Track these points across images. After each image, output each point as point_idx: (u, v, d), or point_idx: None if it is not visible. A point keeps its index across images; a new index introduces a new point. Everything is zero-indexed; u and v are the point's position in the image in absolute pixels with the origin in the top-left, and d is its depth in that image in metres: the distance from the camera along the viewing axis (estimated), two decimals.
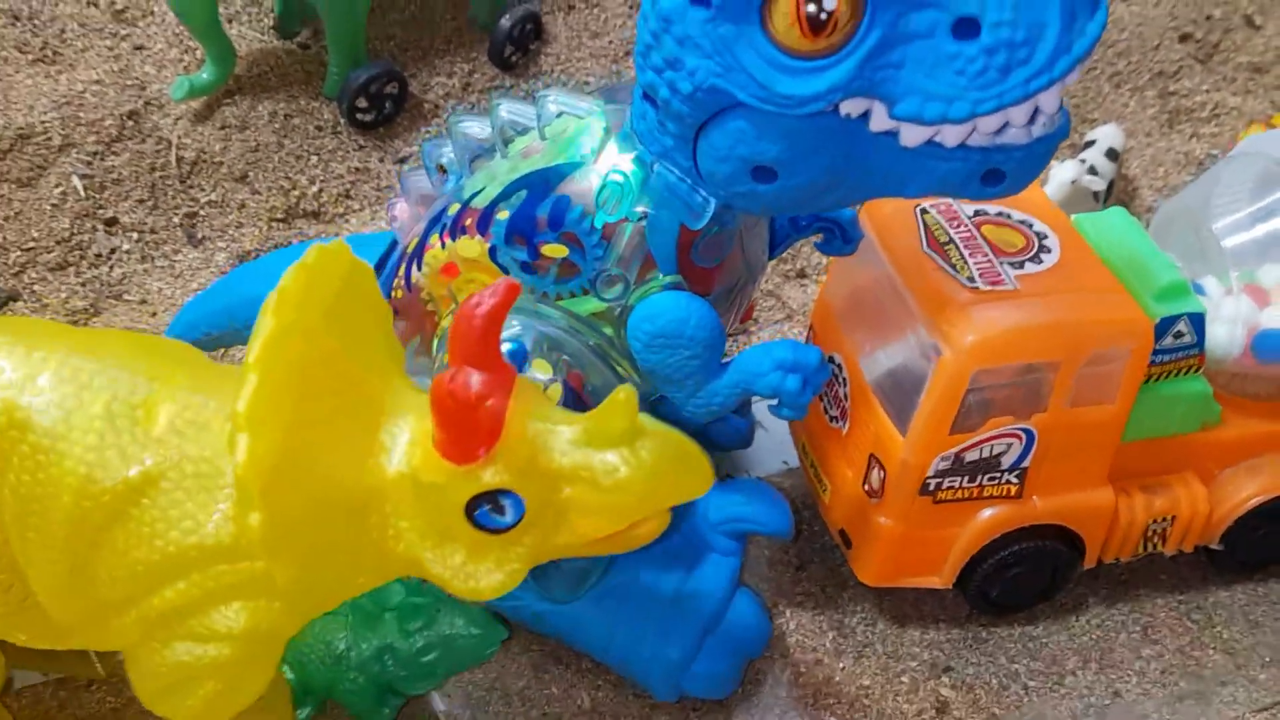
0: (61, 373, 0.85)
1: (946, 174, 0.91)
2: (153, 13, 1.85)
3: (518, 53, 1.91)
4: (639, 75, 0.94)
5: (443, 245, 1.07)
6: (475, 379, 0.77)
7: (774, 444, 1.45)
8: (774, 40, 0.85)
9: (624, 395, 0.81)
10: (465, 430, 0.79)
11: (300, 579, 0.83)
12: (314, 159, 1.76)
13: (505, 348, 1.04)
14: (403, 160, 1.79)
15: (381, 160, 1.78)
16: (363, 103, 1.76)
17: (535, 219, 1.01)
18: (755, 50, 0.85)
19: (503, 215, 1.03)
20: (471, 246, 1.05)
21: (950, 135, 0.88)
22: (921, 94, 0.86)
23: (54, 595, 0.87)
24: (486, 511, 0.82)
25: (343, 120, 1.78)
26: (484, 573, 0.84)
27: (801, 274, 1.70)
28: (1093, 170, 1.73)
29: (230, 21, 1.83)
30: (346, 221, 1.72)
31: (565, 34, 1.97)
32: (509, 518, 0.82)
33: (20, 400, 0.84)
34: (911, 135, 0.89)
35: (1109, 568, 1.33)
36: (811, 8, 0.83)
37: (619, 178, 1.00)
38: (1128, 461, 1.21)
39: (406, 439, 0.83)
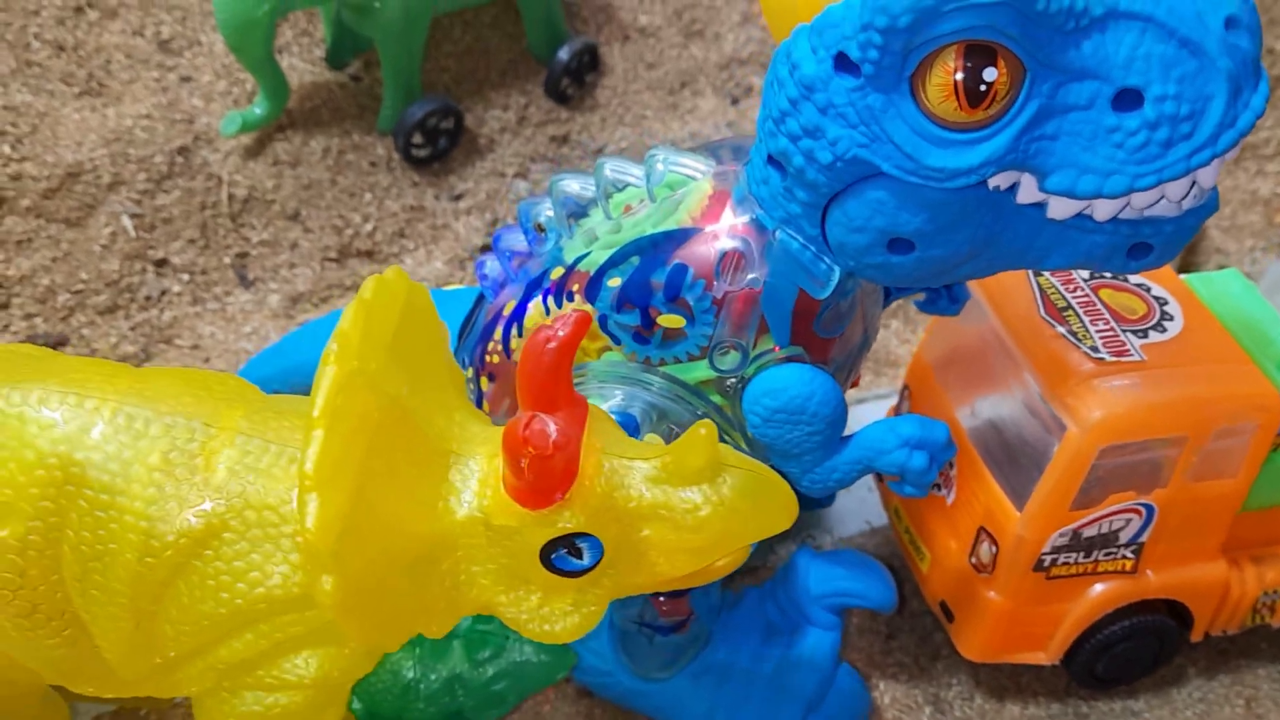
0: (116, 422, 0.82)
1: (1091, 247, 0.87)
2: (199, 42, 1.79)
3: (574, 85, 1.86)
4: (766, 140, 0.89)
5: (546, 311, 1.02)
6: (552, 428, 0.73)
7: (855, 503, 1.40)
8: (926, 111, 0.80)
9: (705, 430, 0.77)
10: (540, 474, 0.75)
11: (369, 637, 0.79)
12: (368, 196, 1.70)
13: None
14: (458, 197, 1.74)
15: (437, 198, 1.73)
16: (418, 138, 1.71)
17: (649, 285, 0.96)
18: (905, 121, 0.80)
19: (614, 283, 0.97)
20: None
21: (1102, 210, 0.84)
22: (1076, 167, 0.81)
23: (119, 651, 0.84)
24: (564, 555, 0.78)
25: (397, 155, 1.73)
26: (560, 615, 0.81)
27: None
28: None
29: (280, 53, 1.78)
30: (401, 261, 1.67)
31: (622, 65, 1.92)
32: (586, 561, 0.78)
33: (75, 455, 0.81)
34: (1061, 208, 0.84)
35: (1209, 639, 1.28)
36: (970, 79, 0.78)
37: (738, 245, 0.95)
38: (1239, 532, 1.16)
39: (476, 480, 0.79)
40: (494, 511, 0.77)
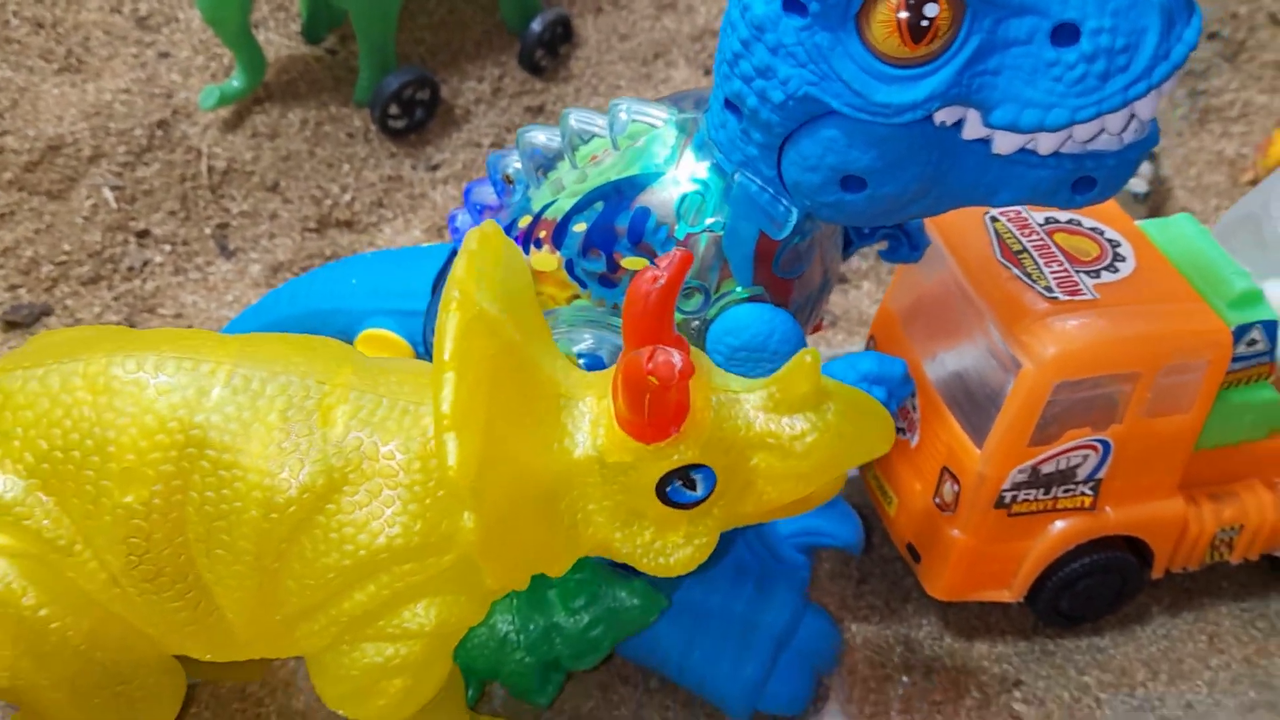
0: (233, 384, 0.84)
1: (1037, 182, 0.90)
2: (176, 19, 1.82)
3: (548, 56, 1.88)
4: (722, 84, 0.92)
5: None
6: (677, 358, 0.74)
7: None
8: (871, 48, 0.83)
9: (810, 358, 0.80)
10: (658, 409, 0.77)
11: (506, 575, 0.82)
12: (346, 167, 1.73)
13: (580, 362, 1.01)
14: (435, 167, 1.76)
15: (414, 168, 1.75)
16: (394, 109, 1.73)
17: (614, 230, 0.99)
18: (852, 58, 0.83)
19: (579, 229, 1.00)
20: (547, 260, 1.02)
21: (1045, 143, 0.87)
22: (1019, 102, 0.84)
23: (242, 610, 0.86)
24: (678, 487, 0.81)
25: (374, 127, 1.76)
26: (674, 548, 0.83)
27: (843, 279, 1.69)
28: None
29: (257, 27, 1.80)
30: (380, 231, 1.70)
31: (595, 36, 1.95)
32: (700, 492, 0.81)
33: (195, 418, 0.83)
34: (1005, 143, 0.87)
35: (1171, 577, 1.31)
36: (912, 15, 0.81)
37: (698, 188, 0.97)
38: (1196, 470, 1.19)
39: (589, 420, 0.82)
40: (609, 449, 0.80)
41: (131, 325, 1.53)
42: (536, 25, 1.84)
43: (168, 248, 1.61)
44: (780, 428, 0.81)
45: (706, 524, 0.83)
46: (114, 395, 0.83)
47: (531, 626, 1.08)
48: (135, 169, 1.63)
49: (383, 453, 0.83)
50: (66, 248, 1.55)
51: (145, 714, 0.94)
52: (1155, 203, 1.85)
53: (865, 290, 1.70)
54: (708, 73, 1.98)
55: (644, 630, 1.12)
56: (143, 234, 1.60)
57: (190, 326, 1.54)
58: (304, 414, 0.83)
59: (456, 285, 0.76)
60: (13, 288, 1.51)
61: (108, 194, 1.60)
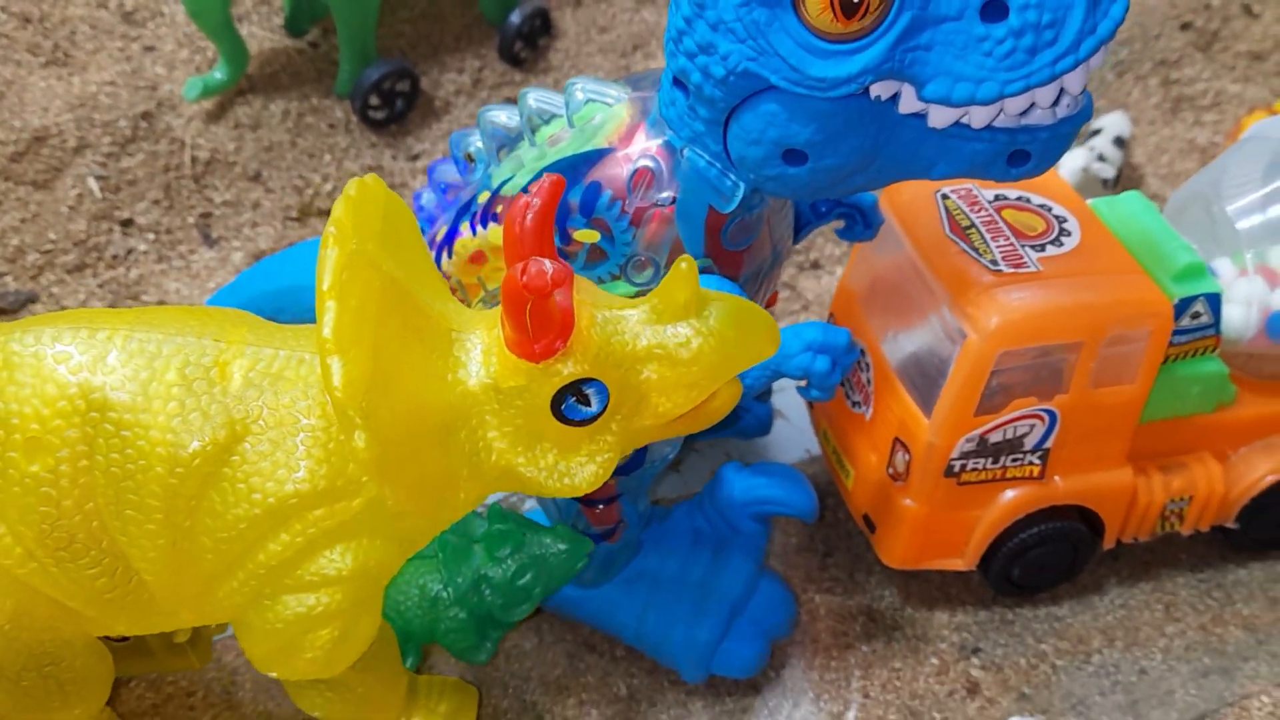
0: (129, 348, 0.85)
1: (973, 155, 0.93)
2: (161, 14, 1.86)
3: (527, 48, 1.92)
4: (669, 61, 0.95)
5: (473, 233, 1.08)
6: (549, 266, 0.77)
7: (795, 432, 1.46)
8: (806, 24, 0.86)
9: (685, 265, 0.82)
10: (540, 323, 0.79)
11: (409, 503, 0.84)
12: (327, 157, 1.76)
13: None
14: (415, 157, 1.80)
15: (394, 158, 1.79)
16: (375, 100, 1.77)
17: (567, 205, 1.02)
18: (788, 34, 0.87)
19: None
20: (503, 234, 1.05)
21: (978, 117, 0.90)
22: (950, 76, 0.87)
23: (159, 572, 0.87)
24: (573, 404, 0.83)
25: (355, 118, 1.79)
26: (577, 467, 0.85)
27: (816, 265, 1.72)
28: (1101, 157, 1.75)
29: (240, 20, 1.84)
30: None
31: (574, 29, 1.98)
32: (595, 406, 0.83)
33: (95, 381, 0.84)
34: (940, 117, 0.90)
35: (1129, 549, 1.35)
36: None
37: (649, 163, 1.01)
38: (1145, 442, 1.22)
39: (480, 350, 0.84)
40: (502, 375, 0.82)
41: None
42: (515, 18, 1.88)
43: (151, 236, 1.64)
44: (665, 337, 0.83)
45: (606, 440, 0.85)
46: (14, 369, 0.84)
47: (460, 579, 1.10)
48: (120, 159, 1.67)
49: (282, 402, 0.85)
50: (52, 236, 1.59)
51: (74, 696, 0.95)
52: (1124, 189, 1.88)
53: (838, 276, 1.73)
54: None
55: (600, 595, 1.15)
56: (127, 223, 1.64)
57: None
58: (202, 370, 0.85)
59: (333, 224, 0.79)
60: None
61: (93, 184, 1.64)
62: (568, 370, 0.81)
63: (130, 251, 1.62)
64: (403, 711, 1.06)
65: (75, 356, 0.85)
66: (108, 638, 0.97)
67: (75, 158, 1.65)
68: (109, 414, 0.83)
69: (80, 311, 0.90)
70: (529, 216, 0.81)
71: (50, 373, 0.84)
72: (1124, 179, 1.88)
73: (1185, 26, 2.15)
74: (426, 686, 1.09)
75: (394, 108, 1.79)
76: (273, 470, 0.84)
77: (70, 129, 1.65)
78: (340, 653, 0.92)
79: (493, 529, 1.11)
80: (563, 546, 1.10)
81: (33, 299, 1.56)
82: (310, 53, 1.86)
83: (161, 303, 1.59)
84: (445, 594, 1.11)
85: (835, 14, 0.85)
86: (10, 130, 1.62)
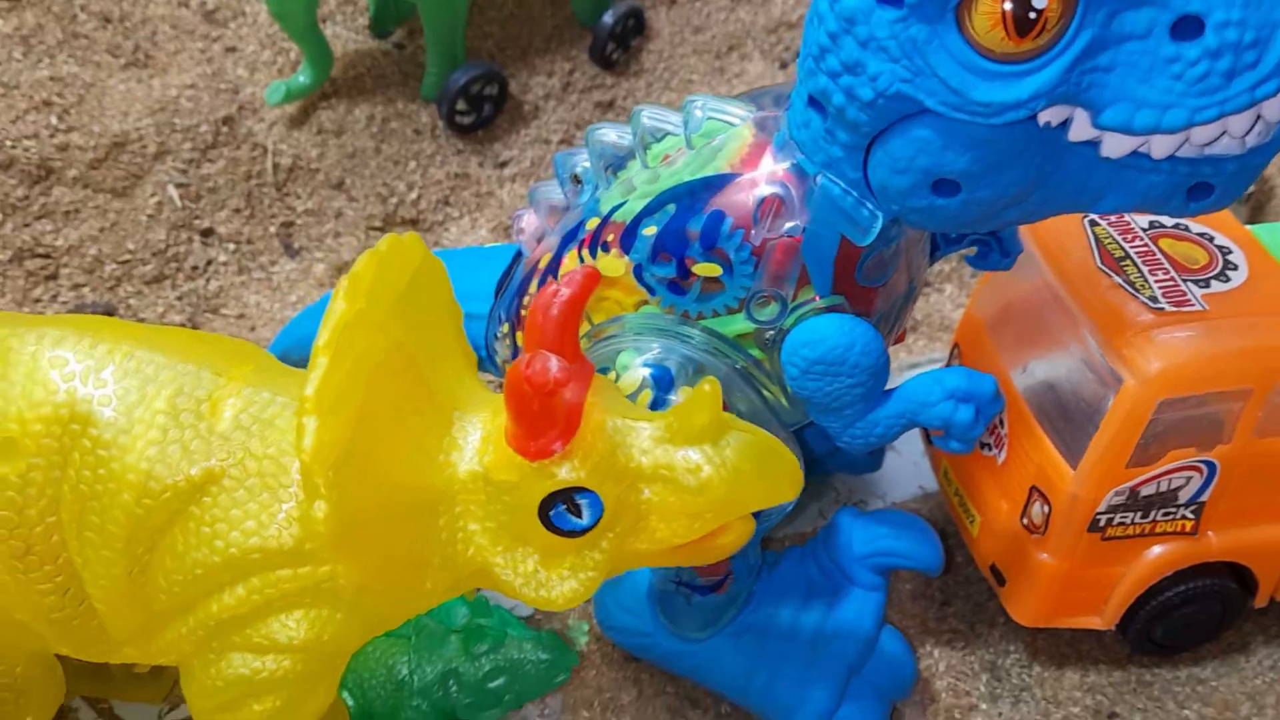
0: (126, 366, 0.82)
1: (1149, 188, 0.83)
2: (243, 13, 1.80)
3: (619, 50, 1.83)
4: (806, 79, 0.86)
5: (580, 261, 1.00)
6: (554, 363, 0.71)
7: (907, 466, 1.37)
8: (971, 42, 0.77)
9: (709, 388, 0.76)
10: (541, 420, 0.74)
11: (366, 581, 0.78)
12: (412, 164, 1.70)
13: (646, 373, 0.96)
14: (503, 164, 1.72)
15: (481, 165, 1.72)
16: (462, 105, 1.69)
17: (685, 234, 0.93)
18: (949, 53, 0.77)
19: (649, 232, 0.95)
20: (614, 265, 0.97)
21: (1159, 146, 0.79)
22: (1132, 101, 0.77)
23: (110, 600, 0.83)
24: (562, 511, 0.76)
25: (441, 123, 1.72)
26: (557, 580, 0.79)
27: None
28: None
29: (324, 22, 1.77)
30: (446, 230, 1.66)
31: (668, 29, 1.89)
32: (586, 519, 0.77)
33: (83, 393, 0.81)
34: (1115, 145, 0.80)
35: (1275, 604, 1.23)
36: (1018, 7, 0.74)
37: (777, 190, 0.92)
38: None
39: (479, 436, 0.79)
40: (495, 467, 0.77)
41: (195, 325, 1.51)
42: (609, 18, 1.79)
43: (232, 246, 1.58)
44: (674, 459, 0.76)
45: (594, 558, 0.78)
46: (8, 365, 0.82)
47: (429, 669, 1.04)
48: (200, 166, 1.61)
49: (268, 451, 0.80)
50: (131, 246, 1.54)
51: (26, 710, 0.93)
52: (1258, 202, 1.76)
53: (948, 294, 1.63)
54: (784, 66, 1.91)
55: (705, 649, 1.07)
56: (207, 232, 1.58)
57: (253, 326, 1.52)
58: (193, 403, 0.81)
59: (348, 278, 0.74)
60: (77, 286, 1.50)
61: (173, 191, 1.58)
62: (563, 474, 0.75)
63: (210, 262, 1.57)
64: None
65: (71, 364, 0.82)
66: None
67: (155, 164, 1.59)
68: (90, 429, 0.81)
69: (91, 319, 0.87)
70: (554, 308, 0.74)
71: (42, 377, 0.82)
72: (1256, 192, 1.75)
73: None
74: None
75: (481, 112, 1.72)
76: (242, 519, 0.79)
77: (150, 134, 1.60)
78: None
79: (473, 622, 1.05)
80: (544, 656, 1.04)
81: (110, 311, 1.50)
82: (395, 55, 1.79)
83: (241, 316, 1.53)
84: (411, 680, 1.05)
85: (1007, 31, 0.75)
86: (90, 135, 1.57)
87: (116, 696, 1.12)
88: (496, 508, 0.78)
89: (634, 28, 1.84)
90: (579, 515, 0.77)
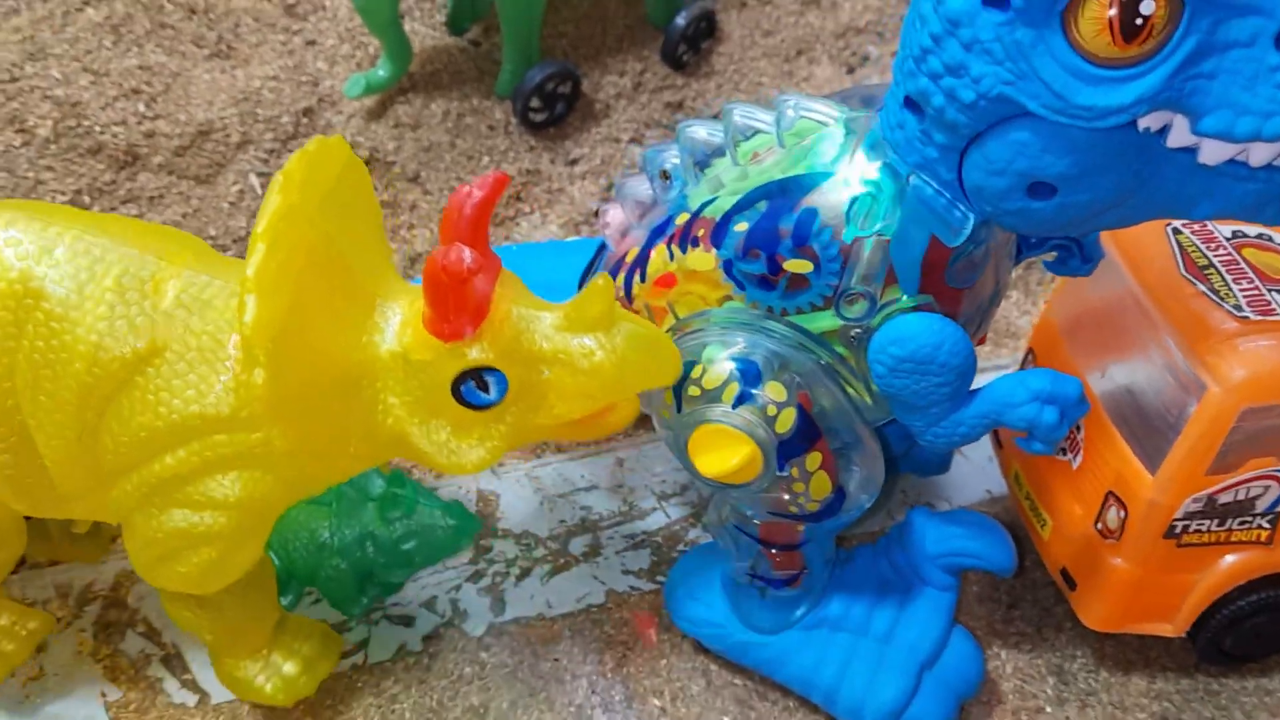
0: (76, 247, 0.90)
1: (1244, 195, 0.83)
2: (323, 7, 1.83)
3: (690, 51, 1.85)
4: (904, 81, 0.87)
5: (669, 256, 1.02)
6: (467, 254, 0.82)
7: (974, 469, 1.38)
8: (1076, 46, 0.78)
9: (602, 281, 0.86)
10: (455, 306, 0.84)
11: (297, 446, 0.89)
12: (485, 159, 1.72)
13: (733, 366, 0.98)
14: (574, 162, 1.74)
15: (553, 162, 1.74)
16: (536, 102, 1.72)
17: (777, 231, 0.95)
18: (1054, 57, 0.78)
19: (741, 228, 0.97)
20: (704, 260, 0.99)
21: (1258, 154, 0.80)
22: (1234, 108, 0.78)
23: (61, 460, 0.92)
24: (472, 387, 0.88)
25: (514, 120, 1.75)
26: (467, 449, 0.90)
27: None
28: None
29: (403, 17, 1.80)
30: (517, 225, 1.68)
31: (739, 32, 1.91)
32: (493, 395, 0.88)
33: (36, 270, 0.88)
34: (1214, 152, 0.81)
35: None
36: (1125, 13, 0.75)
37: (869, 190, 0.93)
38: None
39: (399, 320, 0.89)
40: (413, 347, 0.87)
41: None
42: (681, 20, 1.81)
43: None
44: (570, 345, 0.87)
45: (499, 429, 0.89)
46: None
47: (348, 532, 1.14)
48: (281, 156, 1.64)
49: (206, 328, 0.88)
50: (213, 232, 1.57)
51: None
52: None
53: (1014, 300, 1.63)
54: (851, 71, 1.92)
55: (777, 642, 1.08)
56: None
57: None
58: (138, 283, 0.89)
59: (281, 174, 0.82)
60: None
61: (254, 180, 1.62)
62: (473, 355, 0.86)
63: None
64: (267, 643, 1.08)
65: (24, 244, 0.89)
66: None
67: (238, 153, 1.62)
68: (43, 304, 0.88)
69: (43, 205, 0.94)
70: (468, 207, 0.85)
71: None
72: None
73: None
74: (295, 625, 1.10)
75: (554, 110, 1.74)
76: (183, 389, 0.88)
77: (234, 124, 1.63)
78: (215, 574, 0.95)
79: (389, 491, 1.15)
80: (451, 522, 1.14)
81: None
82: (472, 51, 1.81)
83: None
84: (331, 542, 1.14)
85: (1114, 37, 0.76)
86: (175, 123, 1.61)
87: (57, 557, 1.22)
88: (414, 383, 0.88)
89: (705, 30, 1.85)
90: (487, 391, 0.88)
